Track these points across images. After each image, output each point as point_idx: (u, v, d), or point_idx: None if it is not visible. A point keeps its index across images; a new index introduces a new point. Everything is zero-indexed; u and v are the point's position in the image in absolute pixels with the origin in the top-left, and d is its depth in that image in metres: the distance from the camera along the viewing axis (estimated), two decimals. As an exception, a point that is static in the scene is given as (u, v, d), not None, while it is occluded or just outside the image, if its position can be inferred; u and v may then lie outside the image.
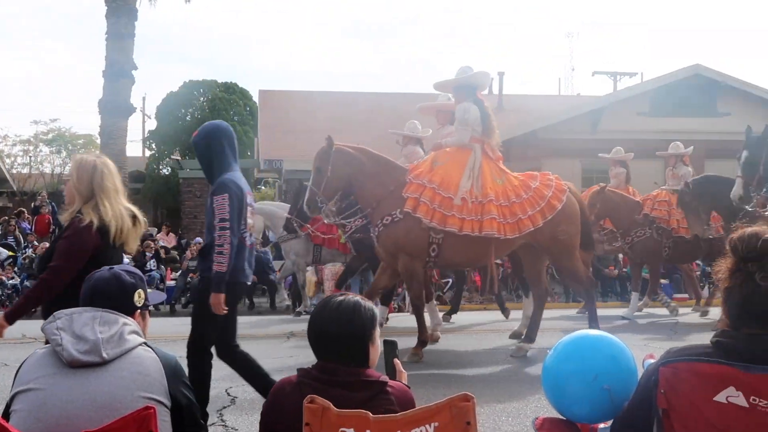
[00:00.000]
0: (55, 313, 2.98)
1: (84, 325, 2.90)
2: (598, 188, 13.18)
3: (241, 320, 12.40)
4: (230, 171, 5.54)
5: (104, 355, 2.84)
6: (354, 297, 3.04)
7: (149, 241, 19.45)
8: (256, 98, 35.74)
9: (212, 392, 6.64)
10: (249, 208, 5.59)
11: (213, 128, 5.76)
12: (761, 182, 9.62)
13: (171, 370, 2.98)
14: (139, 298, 3.17)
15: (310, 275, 16.77)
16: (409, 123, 11.47)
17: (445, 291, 18.30)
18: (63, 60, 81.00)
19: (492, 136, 8.89)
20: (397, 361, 3.20)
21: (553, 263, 9.09)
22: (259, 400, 6.27)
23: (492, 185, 8.61)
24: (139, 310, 3.17)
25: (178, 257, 20.36)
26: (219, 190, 5.41)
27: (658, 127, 23.20)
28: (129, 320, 3.02)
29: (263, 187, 37.47)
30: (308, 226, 13.77)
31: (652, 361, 2.98)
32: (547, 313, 14.25)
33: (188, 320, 11.76)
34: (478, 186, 8.52)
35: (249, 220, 5.60)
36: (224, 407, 6.25)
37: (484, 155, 8.78)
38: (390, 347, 3.24)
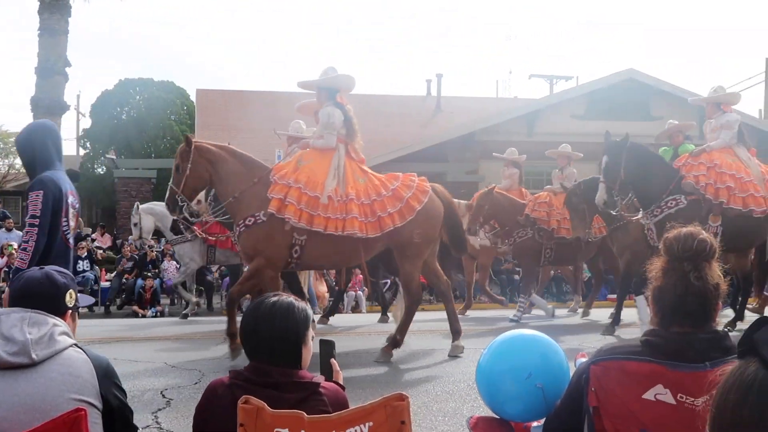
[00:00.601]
0: (-19, 315, 2.93)
1: (12, 326, 2.84)
2: (486, 190, 13.21)
3: (177, 321, 12.26)
4: (52, 169, 5.57)
5: (33, 356, 2.78)
6: (288, 297, 3.03)
7: (81, 242, 19.17)
8: (193, 97, 35.41)
9: (147, 394, 6.61)
10: (72, 210, 5.59)
11: (37, 126, 5.91)
12: (623, 186, 9.77)
13: (102, 371, 2.93)
14: (70, 298, 3.12)
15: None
16: (294, 123, 11.55)
17: (384, 290, 18.36)
18: (-4, 55, 79.19)
19: (355, 138, 8.88)
20: (333, 360, 3.20)
21: (399, 265, 9.03)
22: (195, 403, 6.21)
23: (354, 184, 8.59)
24: (70, 311, 3.12)
25: (114, 258, 20.09)
26: (34, 186, 5.46)
27: (592, 130, 23.51)
28: (59, 321, 2.96)
29: (200, 187, 37.01)
30: (195, 227, 13.58)
31: (583, 360, 3.03)
32: (485, 314, 14.44)
33: (124, 321, 11.62)
34: (342, 185, 8.50)
35: (72, 222, 5.60)
36: (159, 409, 6.17)
37: (347, 155, 8.77)
38: (327, 347, 3.25)
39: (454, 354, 8.78)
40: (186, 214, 9.50)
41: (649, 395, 2.65)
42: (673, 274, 2.73)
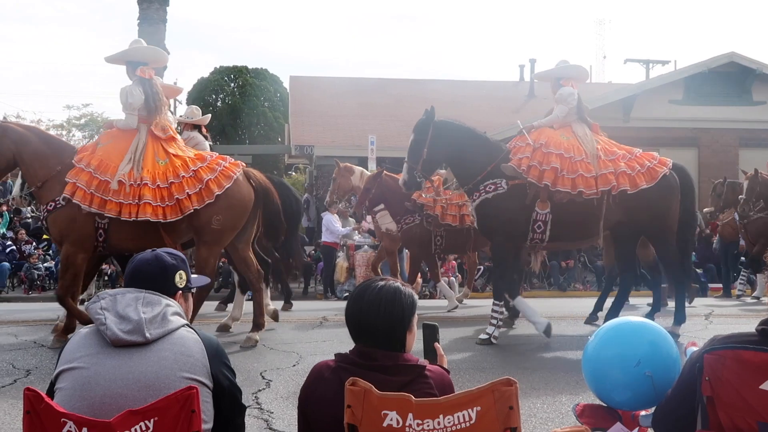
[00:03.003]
0: (99, 294, 3.02)
1: (127, 305, 2.93)
2: (375, 172, 12.67)
3: (273, 305, 12.45)
4: None
5: (147, 335, 2.86)
6: (395, 283, 3.02)
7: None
8: (286, 84, 35.80)
9: (247, 376, 6.73)
10: None
11: None
12: (427, 166, 9.00)
13: (213, 351, 2.99)
14: (180, 279, 3.17)
15: (342, 260, 16.84)
16: (188, 109, 11.56)
17: (476, 278, 18.28)
18: (97, 45, 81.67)
19: (158, 115, 8.63)
20: (437, 344, 3.20)
21: (195, 247, 8.81)
22: (294, 384, 6.31)
23: (152, 167, 8.35)
24: (180, 292, 3.19)
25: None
26: None
27: (691, 115, 23.02)
28: (172, 302, 3.04)
29: (293, 173, 37.46)
30: None
31: (695, 348, 2.95)
32: (577, 302, 14.25)
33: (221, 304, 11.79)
34: (138, 168, 8.29)
35: None
36: (259, 390, 6.28)
37: (150, 135, 8.56)
38: (430, 331, 3.24)
39: (247, 345, 8.54)
40: None
41: (766, 386, 2.57)
42: None
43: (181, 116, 11.63)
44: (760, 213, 14.18)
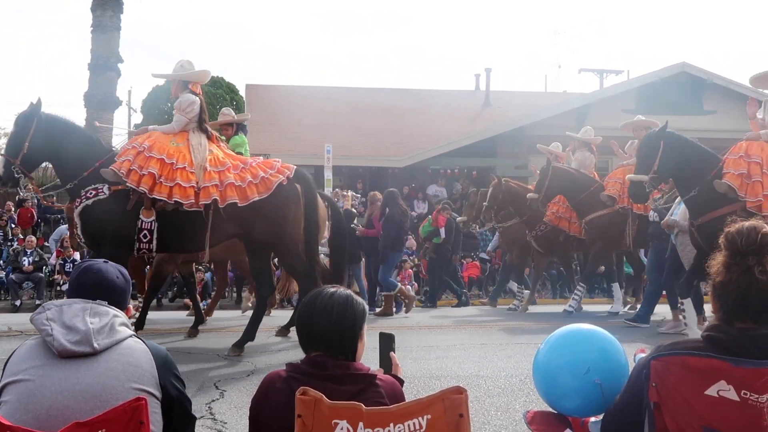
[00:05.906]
0: (44, 305, 2.98)
1: (74, 316, 2.90)
2: None
3: (228, 314, 12.37)
4: None
5: (95, 345, 2.83)
6: (345, 291, 3.03)
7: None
8: (243, 93, 35.65)
9: (201, 385, 6.67)
10: None
11: None
12: (27, 161, 8.47)
13: (161, 361, 2.98)
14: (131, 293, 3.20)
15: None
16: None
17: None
18: (49, 52, 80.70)
19: None
20: (392, 354, 3.20)
21: None
22: (248, 394, 6.27)
23: None
24: (130, 306, 3.19)
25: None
26: None
27: (644, 124, 23.30)
28: (119, 312, 3.02)
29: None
30: None
31: (643, 355, 3.00)
32: (542, 309, 14.35)
33: (174, 314, 11.73)
34: None
35: None
36: (213, 400, 6.23)
37: None
38: (386, 340, 3.25)
39: None
40: None
41: (711, 391, 2.61)
42: (736, 269, 2.69)
43: None
44: (512, 220, 14.67)
